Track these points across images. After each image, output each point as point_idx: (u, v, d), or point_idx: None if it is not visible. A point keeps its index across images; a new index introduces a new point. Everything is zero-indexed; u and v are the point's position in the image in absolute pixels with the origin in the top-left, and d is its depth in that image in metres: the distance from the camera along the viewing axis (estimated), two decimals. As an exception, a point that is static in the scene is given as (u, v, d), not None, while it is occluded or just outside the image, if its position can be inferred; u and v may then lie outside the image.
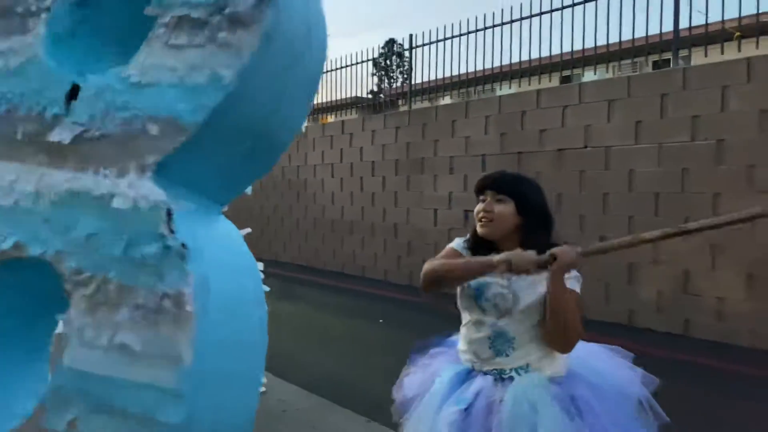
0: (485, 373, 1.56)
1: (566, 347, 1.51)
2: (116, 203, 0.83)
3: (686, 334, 4.84)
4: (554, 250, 1.44)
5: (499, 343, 1.55)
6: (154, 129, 0.83)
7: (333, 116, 9.82)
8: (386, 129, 7.85)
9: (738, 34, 4.86)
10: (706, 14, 4.88)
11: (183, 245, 0.80)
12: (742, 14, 4.87)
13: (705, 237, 4.69)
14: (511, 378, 1.52)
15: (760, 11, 4.79)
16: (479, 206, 1.59)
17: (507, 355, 1.54)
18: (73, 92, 0.89)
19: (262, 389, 3.62)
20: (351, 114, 9.39)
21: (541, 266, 1.44)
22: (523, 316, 1.54)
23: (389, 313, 6.03)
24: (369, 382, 3.84)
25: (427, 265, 1.56)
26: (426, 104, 8.13)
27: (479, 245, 1.61)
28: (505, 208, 1.55)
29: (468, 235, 1.67)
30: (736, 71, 4.58)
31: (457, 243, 1.67)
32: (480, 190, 1.61)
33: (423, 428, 1.55)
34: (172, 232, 0.80)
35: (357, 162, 8.31)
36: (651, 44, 5.64)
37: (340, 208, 8.62)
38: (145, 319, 0.80)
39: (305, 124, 10.23)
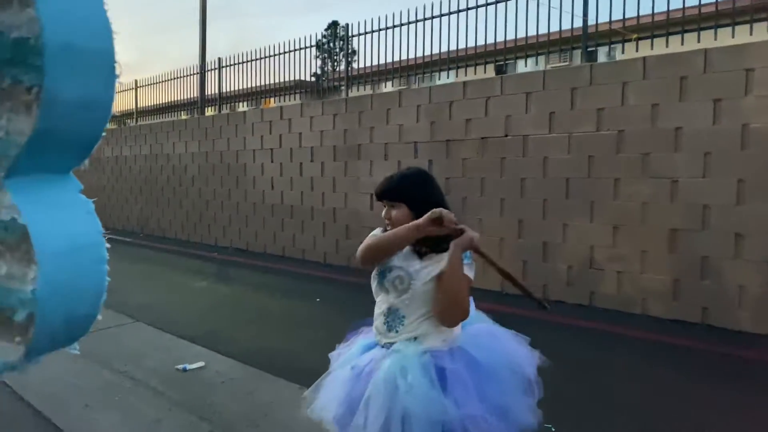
0: (382, 346, 1.79)
1: (452, 321, 1.71)
2: None
3: (591, 305, 5.42)
4: (464, 227, 1.67)
5: (391, 319, 1.78)
6: None
7: (275, 100, 9.93)
8: (324, 115, 8.08)
9: (636, 35, 5.39)
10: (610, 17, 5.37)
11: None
12: (641, 13, 5.42)
13: (608, 218, 5.25)
14: (398, 350, 1.72)
15: (655, 11, 5.33)
16: (383, 212, 1.83)
17: (397, 331, 1.76)
18: None
19: (201, 363, 3.87)
20: (294, 99, 9.52)
21: (455, 233, 1.67)
22: (416, 297, 1.73)
23: (327, 293, 6.33)
24: (302, 354, 4.14)
25: (362, 245, 1.79)
26: (367, 91, 8.38)
27: None
28: (399, 212, 1.76)
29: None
30: (633, 69, 5.11)
31: (378, 231, 1.89)
32: (378, 198, 1.84)
33: (326, 387, 1.83)
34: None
35: (296, 147, 8.50)
36: (563, 39, 6.13)
37: (280, 193, 8.80)
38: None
39: (244, 107, 10.28)
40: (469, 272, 1.71)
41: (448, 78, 7.28)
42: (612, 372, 3.84)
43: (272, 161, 8.93)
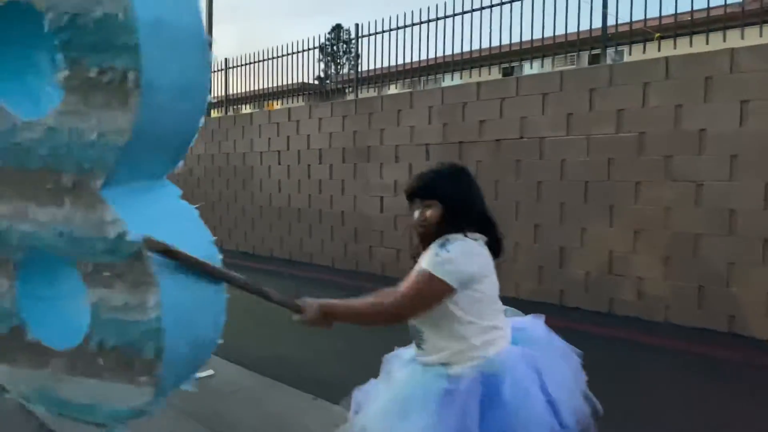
0: (417, 362, 1.63)
1: (385, 320, 1.56)
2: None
3: (611, 312, 5.25)
4: (301, 302, 1.59)
5: (414, 333, 1.62)
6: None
7: (279, 103, 9.80)
8: (333, 117, 7.94)
9: (658, 35, 5.24)
10: (631, 16, 5.23)
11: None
12: (663, 14, 5.28)
13: (629, 223, 5.10)
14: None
15: (678, 11, 5.19)
16: (415, 215, 1.61)
17: (422, 348, 1.59)
18: None
19: (211, 371, 3.71)
20: (298, 101, 9.40)
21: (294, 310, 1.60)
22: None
23: (336, 298, 6.17)
24: (314, 363, 3.99)
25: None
26: (372, 93, 8.25)
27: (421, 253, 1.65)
28: (434, 211, 1.57)
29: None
30: (655, 69, 4.95)
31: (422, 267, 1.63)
32: (409, 198, 1.65)
33: (363, 389, 1.70)
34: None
35: (304, 149, 8.37)
36: (582, 40, 5.99)
37: (287, 196, 8.66)
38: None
39: (248, 110, 10.16)
40: (427, 263, 1.51)
41: (452, 80, 7.14)
42: (634, 381, 3.67)
43: (279, 163, 8.80)
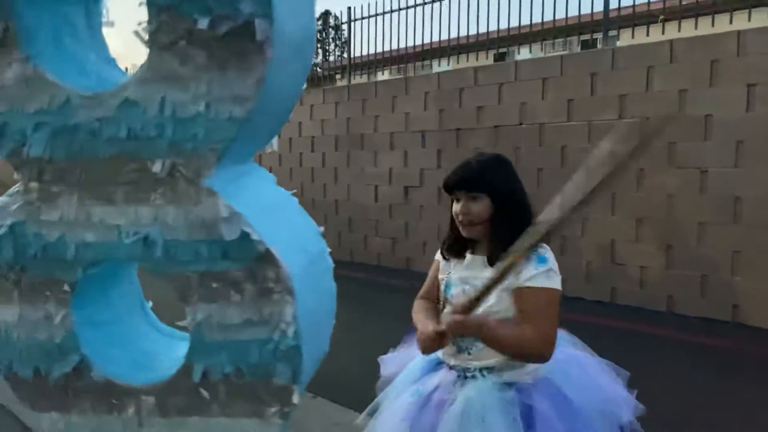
0: (451, 367, 1.50)
1: (530, 361, 1.42)
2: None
3: (612, 302, 5.16)
4: (444, 322, 1.39)
5: (461, 339, 1.47)
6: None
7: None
8: (325, 104, 7.75)
9: (662, 17, 5.10)
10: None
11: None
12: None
13: (631, 211, 4.99)
14: (474, 377, 1.45)
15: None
16: (456, 208, 1.49)
17: (469, 353, 1.46)
18: None
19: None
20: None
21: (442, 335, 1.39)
22: (487, 314, 1.44)
23: (339, 290, 6.03)
24: (347, 374, 3.83)
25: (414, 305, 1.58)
26: (364, 79, 8.06)
27: (455, 243, 1.56)
28: (482, 207, 1.46)
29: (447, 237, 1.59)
30: (659, 53, 4.82)
31: (439, 252, 1.61)
32: (450, 189, 1.51)
33: (384, 410, 1.53)
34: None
35: (296, 137, 8.17)
36: (582, 24, 5.83)
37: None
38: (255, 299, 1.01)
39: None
40: (544, 281, 1.38)
41: (448, 65, 6.95)
42: (636, 372, 3.57)
43: (270, 151, 8.59)
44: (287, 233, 0.92)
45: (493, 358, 1.42)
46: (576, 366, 1.48)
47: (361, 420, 1.61)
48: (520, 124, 5.70)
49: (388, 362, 1.73)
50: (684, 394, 3.24)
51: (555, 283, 1.39)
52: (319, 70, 9.94)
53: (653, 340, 4.25)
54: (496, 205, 1.46)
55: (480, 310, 1.40)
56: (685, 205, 4.73)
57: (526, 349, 1.35)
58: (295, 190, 0.96)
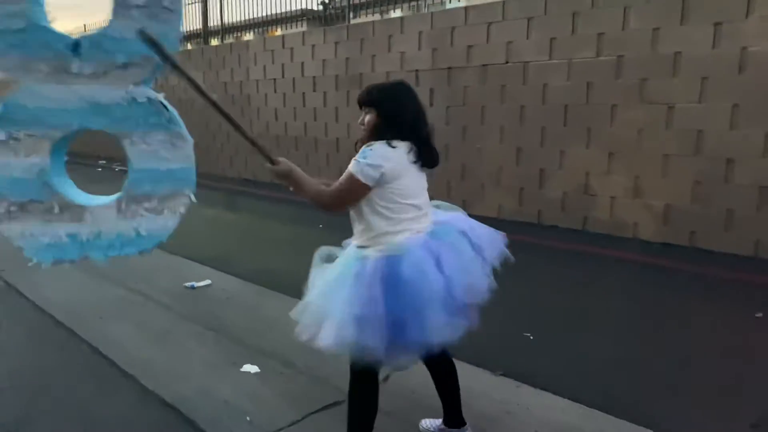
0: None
1: (323, 210, 1.89)
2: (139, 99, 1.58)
3: (584, 229, 5.59)
4: (278, 158, 1.86)
5: (351, 219, 1.98)
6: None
7: (281, 29, 9.77)
8: (326, 44, 8.00)
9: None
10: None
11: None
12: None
13: (604, 145, 5.32)
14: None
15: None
16: (359, 120, 1.94)
17: (353, 233, 1.96)
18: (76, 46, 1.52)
19: (208, 281, 4.13)
20: (301, 26, 9.36)
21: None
22: None
23: (330, 220, 6.46)
24: (303, 274, 4.38)
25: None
26: (376, 17, 8.18)
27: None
28: (371, 117, 1.86)
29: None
30: (636, -9, 5.01)
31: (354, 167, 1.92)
32: (359, 105, 1.93)
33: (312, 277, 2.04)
34: (167, 109, 1.61)
35: (299, 77, 8.48)
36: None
37: (284, 124, 8.87)
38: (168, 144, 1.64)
39: (249, 37, 10.15)
40: (351, 165, 1.81)
41: (458, 1, 7.10)
42: (600, 292, 4.05)
43: (275, 91, 8.94)
44: None
45: (359, 238, 1.91)
46: (427, 252, 1.80)
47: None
48: (506, 62, 5.96)
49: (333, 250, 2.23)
50: (638, 309, 3.72)
51: (355, 167, 1.79)
52: (332, 8, 10.00)
53: (620, 263, 4.70)
54: (383, 118, 1.85)
55: None
56: (652, 139, 5.05)
57: (316, 199, 1.84)
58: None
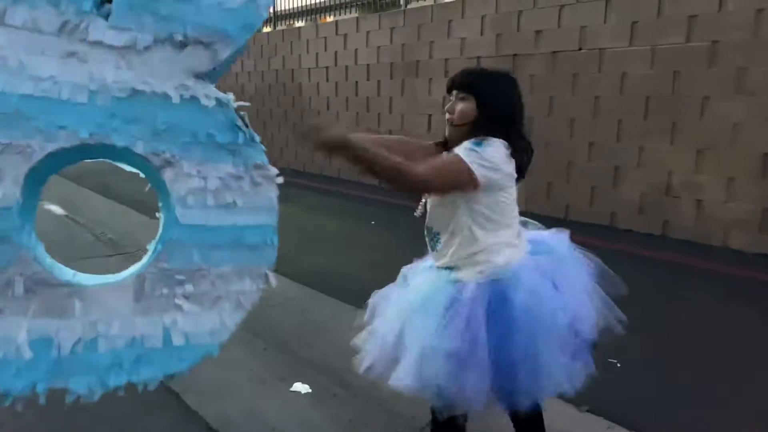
0: (432, 268, 1.63)
1: (398, 186, 1.44)
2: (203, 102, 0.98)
3: (665, 235, 5.05)
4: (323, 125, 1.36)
5: (429, 236, 1.62)
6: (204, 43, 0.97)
7: (332, 16, 9.48)
8: (381, 30, 7.64)
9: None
10: None
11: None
12: None
13: (692, 141, 4.76)
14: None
15: None
16: (446, 106, 1.58)
17: (435, 250, 1.58)
18: None
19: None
20: (352, 12, 9.05)
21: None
22: (436, 207, 1.56)
23: (381, 215, 6.23)
24: (357, 276, 4.08)
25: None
26: (426, 2, 7.81)
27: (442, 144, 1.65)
28: (466, 105, 1.52)
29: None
30: (738, -33, 4.41)
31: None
32: (448, 89, 1.60)
33: (380, 292, 1.72)
34: (246, 126, 1.03)
35: (352, 65, 8.17)
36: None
37: (336, 114, 8.59)
38: (239, 184, 1.01)
39: (301, 24, 9.92)
40: (462, 152, 1.44)
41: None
42: (687, 307, 3.57)
43: (327, 80, 8.66)
44: None
45: (451, 255, 1.53)
46: (541, 275, 1.47)
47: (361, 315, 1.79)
48: (580, 49, 5.45)
49: (407, 271, 1.87)
50: (733, 327, 3.24)
51: (469, 159, 1.41)
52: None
53: (707, 274, 4.18)
54: (480, 111, 1.50)
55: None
56: (750, 135, 4.46)
57: (399, 169, 1.35)
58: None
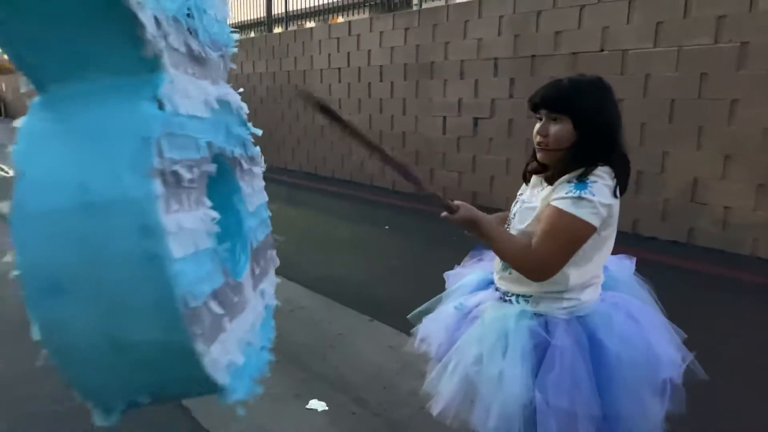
0: (497, 288, 1.48)
1: (523, 274, 1.34)
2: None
3: (689, 242, 4.87)
4: (456, 203, 1.35)
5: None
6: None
7: (343, 16, 9.38)
8: (395, 30, 7.51)
9: None
10: None
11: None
12: None
13: (719, 146, 4.59)
14: (511, 303, 1.42)
15: None
16: (536, 128, 1.39)
17: (510, 273, 1.42)
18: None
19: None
20: (363, 13, 8.95)
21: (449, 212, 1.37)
22: (519, 232, 1.40)
23: (395, 220, 6.09)
24: (371, 283, 3.95)
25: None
26: (440, 2, 7.69)
27: (533, 168, 1.48)
28: (562, 129, 1.33)
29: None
30: (770, -35, 4.24)
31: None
32: (534, 108, 1.40)
33: (430, 320, 1.58)
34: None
35: (364, 66, 8.04)
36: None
37: (348, 116, 8.45)
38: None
39: (312, 24, 9.82)
40: (571, 208, 1.27)
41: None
42: (712, 317, 3.40)
43: (340, 81, 8.54)
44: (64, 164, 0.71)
45: (530, 285, 1.37)
46: (624, 314, 1.36)
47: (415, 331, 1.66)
48: (601, 50, 5.29)
49: (452, 277, 1.76)
50: (758, 340, 3.07)
51: (582, 213, 1.26)
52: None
53: (734, 284, 4.01)
54: (579, 133, 1.32)
55: (513, 224, 1.41)
56: (782, 141, 4.28)
57: (518, 261, 1.30)
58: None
